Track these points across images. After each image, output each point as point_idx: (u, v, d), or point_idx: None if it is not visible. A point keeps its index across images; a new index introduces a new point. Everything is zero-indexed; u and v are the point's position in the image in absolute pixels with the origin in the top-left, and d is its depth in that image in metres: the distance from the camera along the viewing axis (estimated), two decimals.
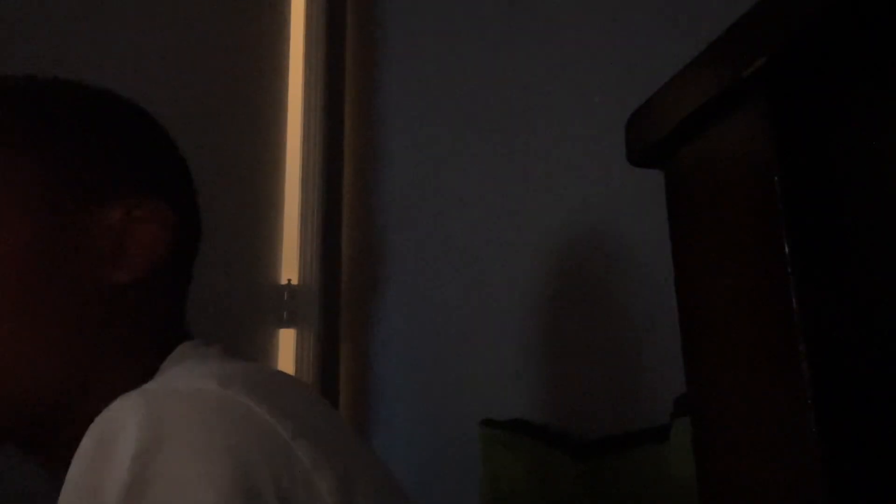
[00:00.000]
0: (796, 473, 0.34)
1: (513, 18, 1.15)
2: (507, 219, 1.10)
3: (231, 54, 1.40)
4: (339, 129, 1.48)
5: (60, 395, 0.58)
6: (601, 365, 0.94)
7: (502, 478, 0.94)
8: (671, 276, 0.43)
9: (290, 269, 1.39)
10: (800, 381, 0.34)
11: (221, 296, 1.23)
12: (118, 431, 0.44)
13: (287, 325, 1.37)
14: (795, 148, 0.36)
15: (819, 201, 0.36)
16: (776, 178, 0.36)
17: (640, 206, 0.84)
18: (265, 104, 1.43)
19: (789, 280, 0.35)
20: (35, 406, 0.58)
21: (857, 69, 0.38)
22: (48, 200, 0.59)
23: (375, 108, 1.44)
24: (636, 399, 0.89)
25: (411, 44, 1.39)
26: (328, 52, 1.47)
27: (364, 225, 1.42)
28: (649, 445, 0.84)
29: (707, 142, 0.41)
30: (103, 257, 0.60)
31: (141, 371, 0.59)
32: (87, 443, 0.45)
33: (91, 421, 0.47)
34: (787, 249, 0.35)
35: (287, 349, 1.37)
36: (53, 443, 0.59)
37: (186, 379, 0.49)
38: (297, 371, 1.34)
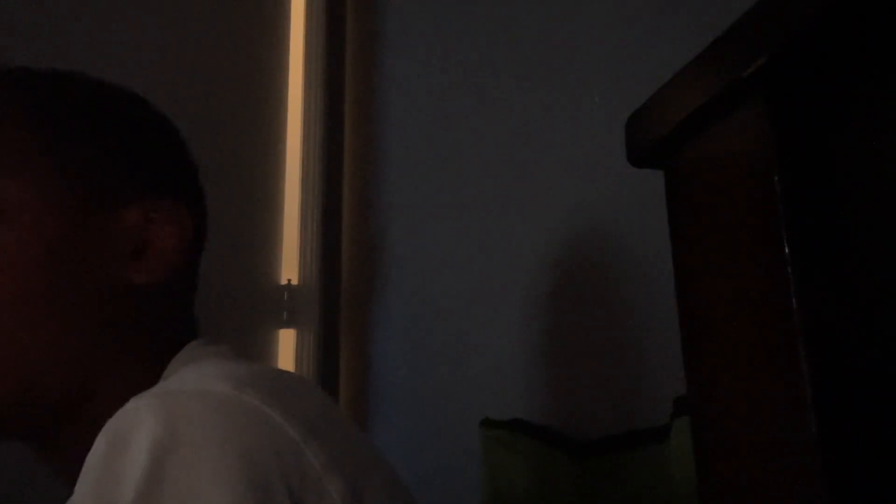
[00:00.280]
0: (796, 473, 0.34)
1: (513, 18, 1.15)
2: (507, 219, 1.10)
3: (231, 54, 1.40)
4: (339, 129, 1.48)
5: (69, 391, 0.58)
6: (601, 365, 0.94)
7: (502, 478, 0.94)
8: (671, 276, 0.43)
9: (290, 269, 1.39)
10: (800, 381, 0.34)
11: (221, 296, 1.23)
12: (133, 431, 0.44)
13: (287, 325, 1.37)
14: (795, 148, 0.36)
15: (819, 201, 0.36)
16: (776, 178, 0.36)
17: (640, 206, 0.84)
18: (265, 104, 1.43)
19: (789, 280, 0.35)
20: (43, 402, 0.58)
21: (857, 69, 0.38)
22: (69, 202, 0.60)
23: (375, 108, 1.44)
24: (636, 399, 0.89)
25: (411, 44, 1.39)
26: (328, 52, 1.47)
27: (364, 225, 1.42)
28: (649, 445, 0.84)
29: (707, 142, 0.41)
30: (122, 258, 0.61)
31: (148, 370, 0.59)
32: (101, 441, 0.45)
33: (97, 419, 0.48)
34: (787, 250, 0.35)
35: (287, 349, 1.37)
36: (59, 442, 0.60)
37: (200, 381, 0.49)
38: (296, 371, 1.33)
